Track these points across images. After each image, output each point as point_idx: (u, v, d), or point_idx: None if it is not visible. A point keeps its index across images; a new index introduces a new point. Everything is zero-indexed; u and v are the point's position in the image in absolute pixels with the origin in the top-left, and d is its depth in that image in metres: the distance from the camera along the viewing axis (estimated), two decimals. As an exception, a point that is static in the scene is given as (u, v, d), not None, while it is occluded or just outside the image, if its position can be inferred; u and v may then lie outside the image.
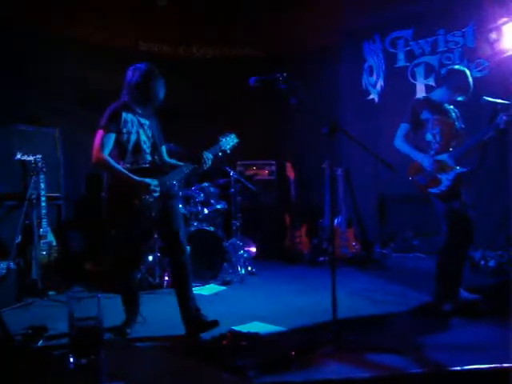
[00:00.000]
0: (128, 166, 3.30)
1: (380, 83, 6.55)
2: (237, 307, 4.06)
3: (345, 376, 2.36)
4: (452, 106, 4.04)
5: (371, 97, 6.67)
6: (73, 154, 5.81)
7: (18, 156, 5.07)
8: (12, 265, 4.26)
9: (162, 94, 3.40)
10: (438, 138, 3.86)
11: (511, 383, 2.25)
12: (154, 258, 4.82)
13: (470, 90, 3.90)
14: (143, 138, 3.38)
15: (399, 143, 3.95)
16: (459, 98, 3.94)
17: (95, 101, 6.27)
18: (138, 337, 3.12)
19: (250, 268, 5.41)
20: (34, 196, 4.68)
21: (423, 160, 3.81)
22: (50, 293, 4.48)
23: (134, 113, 3.39)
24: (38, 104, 5.84)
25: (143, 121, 3.42)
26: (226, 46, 7.14)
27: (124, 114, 3.33)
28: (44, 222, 4.69)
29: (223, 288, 4.80)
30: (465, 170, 3.77)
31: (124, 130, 3.30)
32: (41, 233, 4.66)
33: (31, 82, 5.76)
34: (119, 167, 3.24)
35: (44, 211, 4.68)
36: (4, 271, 4.15)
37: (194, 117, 6.49)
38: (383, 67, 6.52)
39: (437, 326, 3.27)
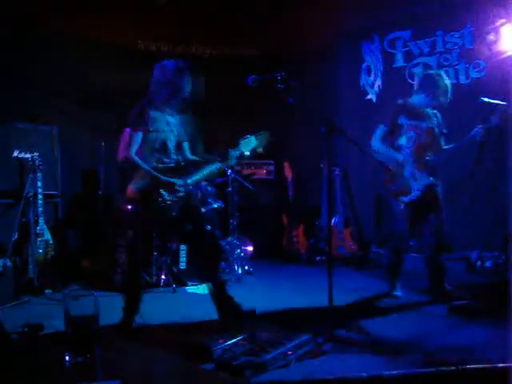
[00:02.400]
0: (154, 164, 3.28)
1: (378, 83, 6.56)
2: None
3: (342, 375, 2.36)
4: (435, 111, 4.07)
5: (369, 97, 6.68)
6: (70, 152, 5.81)
7: (16, 154, 5.06)
8: (8, 263, 4.25)
9: (188, 89, 3.38)
10: (410, 143, 3.93)
11: (508, 383, 2.25)
12: (151, 257, 4.80)
13: (447, 92, 3.93)
14: (170, 136, 3.38)
15: (376, 144, 4.00)
16: (440, 101, 3.96)
17: (94, 99, 6.28)
18: (135, 335, 3.12)
19: (246, 267, 5.41)
20: (30, 194, 4.67)
21: (401, 161, 3.89)
22: (47, 291, 4.47)
23: (162, 110, 3.38)
24: (36, 102, 5.84)
25: (170, 119, 3.42)
26: (225, 46, 7.13)
27: (152, 112, 3.32)
28: (41, 220, 4.67)
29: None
30: (433, 181, 3.89)
31: (151, 129, 3.29)
32: (37, 231, 4.65)
33: (30, 80, 5.75)
34: (146, 166, 3.22)
35: (41, 209, 4.67)
36: (0, 269, 4.14)
37: (193, 116, 6.49)
38: (381, 67, 6.53)
39: (434, 326, 3.28)
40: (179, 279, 4.72)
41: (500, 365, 2.38)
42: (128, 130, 3.25)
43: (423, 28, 6.13)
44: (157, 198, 3.17)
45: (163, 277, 4.73)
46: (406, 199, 3.91)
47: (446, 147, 4.02)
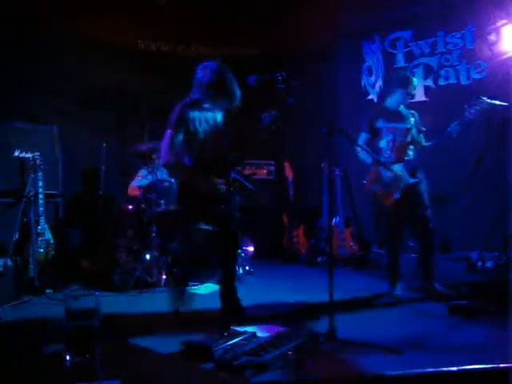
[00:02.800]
0: (195, 163, 3.37)
1: (379, 83, 6.56)
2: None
3: (341, 375, 2.37)
4: (412, 111, 4.20)
5: (370, 97, 6.68)
6: (71, 152, 5.81)
7: (16, 153, 5.07)
8: (9, 262, 4.25)
9: (237, 89, 3.41)
10: (390, 145, 4.05)
11: (509, 383, 2.25)
12: (151, 257, 4.81)
13: (410, 83, 4.10)
14: (210, 135, 3.44)
15: (360, 152, 4.13)
16: (411, 92, 4.14)
17: (94, 99, 6.29)
18: (135, 335, 3.13)
19: (247, 267, 5.40)
20: (31, 193, 4.68)
21: (381, 168, 3.99)
22: (47, 291, 4.46)
23: (201, 109, 3.42)
24: (36, 102, 5.85)
25: (210, 117, 3.47)
26: (226, 46, 7.13)
27: (191, 113, 3.37)
28: (42, 220, 4.68)
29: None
30: (416, 180, 4.00)
31: (192, 129, 3.35)
32: (38, 230, 4.65)
33: (30, 80, 5.76)
34: (188, 167, 3.33)
35: (42, 209, 4.67)
36: (1, 269, 4.14)
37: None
38: (382, 68, 6.53)
39: (433, 326, 3.28)
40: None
41: (501, 365, 2.38)
42: (169, 131, 3.30)
43: (424, 28, 6.13)
44: (202, 196, 3.28)
45: (164, 276, 4.73)
46: (387, 200, 4.04)
47: (426, 144, 4.10)
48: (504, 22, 5.32)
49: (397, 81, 4.18)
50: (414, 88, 4.19)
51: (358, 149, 4.11)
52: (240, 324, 3.01)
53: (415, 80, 4.20)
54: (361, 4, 6.00)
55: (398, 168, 3.99)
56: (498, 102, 3.86)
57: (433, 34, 6.06)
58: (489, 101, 3.83)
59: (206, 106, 3.45)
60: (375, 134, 4.12)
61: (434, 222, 4.10)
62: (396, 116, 4.12)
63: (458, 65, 5.87)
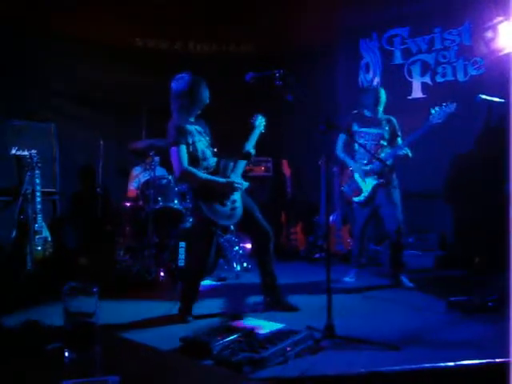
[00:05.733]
0: (204, 171, 3.48)
1: (376, 80, 6.56)
2: (232, 304, 4.07)
3: (340, 371, 2.37)
4: (390, 117, 4.51)
5: (367, 94, 6.68)
6: (68, 150, 5.80)
7: (13, 151, 5.06)
8: (7, 260, 4.25)
9: (207, 97, 3.57)
10: (361, 148, 4.37)
11: (505, 378, 2.26)
12: (149, 254, 4.81)
13: (379, 102, 4.45)
14: (206, 143, 3.56)
15: (338, 152, 4.56)
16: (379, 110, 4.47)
17: (92, 97, 6.28)
18: (134, 331, 3.13)
19: (245, 264, 5.41)
20: (29, 191, 4.67)
21: (354, 167, 4.43)
22: (45, 288, 4.47)
23: (190, 123, 3.53)
24: (34, 100, 5.85)
25: (199, 128, 3.58)
26: (223, 43, 7.13)
27: (187, 126, 3.48)
28: (39, 218, 4.68)
29: (218, 284, 4.80)
30: (381, 181, 4.33)
31: (190, 141, 3.44)
32: (36, 228, 4.65)
33: (28, 79, 5.76)
34: (204, 175, 3.43)
35: (39, 206, 4.67)
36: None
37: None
38: (380, 65, 6.53)
39: (431, 322, 3.29)
40: (178, 276, 4.72)
41: (498, 360, 2.39)
42: (173, 148, 3.38)
43: (421, 25, 6.13)
44: (221, 200, 3.44)
45: (162, 274, 4.73)
46: (356, 200, 4.45)
47: (401, 143, 4.38)
48: (501, 18, 5.32)
49: (365, 100, 4.52)
50: (381, 104, 4.48)
51: (337, 150, 4.52)
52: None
53: (382, 100, 4.48)
54: (358, 1, 6.00)
55: (367, 168, 4.38)
56: (495, 99, 3.87)
57: (430, 30, 6.06)
58: (487, 98, 3.85)
59: (191, 119, 3.56)
60: (352, 137, 4.42)
61: (403, 222, 4.40)
62: (370, 122, 4.43)
63: (455, 61, 5.88)
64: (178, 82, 3.51)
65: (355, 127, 4.46)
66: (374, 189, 4.37)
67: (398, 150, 4.28)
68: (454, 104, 3.99)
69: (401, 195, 4.45)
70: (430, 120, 4.06)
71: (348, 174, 4.52)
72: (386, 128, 4.43)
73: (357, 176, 4.41)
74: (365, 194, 4.39)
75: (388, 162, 4.25)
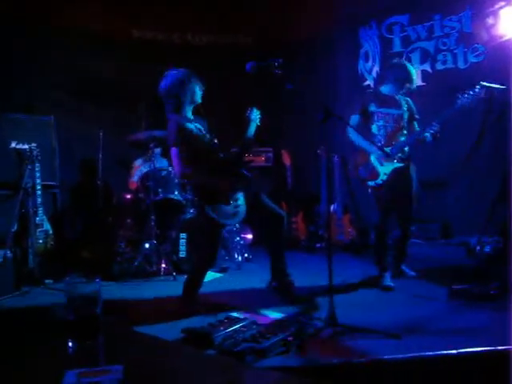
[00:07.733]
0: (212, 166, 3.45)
1: (376, 69, 6.53)
2: (234, 294, 4.08)
3: (343, 360, 2.38)
4: (407, 98, 4.18)
5: (367, 82, 6.65)
6: (68, 142, 5.79)
7: (13, 145, 5.05)
8: (8, 253, 4.25)
9: (198, 96, 3.52)
10: (381, 130, 4.06)
11: (507, 366, 2.27)
12: (150, 246, 4.81)
13: (412, 79, 4.07)
14: (207, 140, 3.53)
15: (351, 134, 4.11)
16: (408, 88, 4.09)
17: (91, 90, 6.26)
18: (136, 323, 3.14)
19: (246, 255, 5.42)
20: (29, 185, 4.66)
21: (371, 149, 3.99)
22: (47, 281, 4.48)
23: (190, 121, 3.49)
24: (33, 93, 5.83)
25: (198, 125, 3.53)
26: (221, 34, 7.09)
27: (187, 124, 3.44)
28: (40, 211, 4.67)
29: (220, 275, 4.81)
30: (401, 165, 3.97)
31: (192, 140, 3.41)
32: (37, 221, 4.65)
33: (26, 71, 5.73)
34: (207, 174, 3.39)
35: (40, 200, 4.66)
36: (1, 260, 4.14)
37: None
38: (379, 53, 6.50)
39: (432, 310, 3.29)
40: (179, 267, 4.73)
41: (500, 347, 2.39)
42: (174, 149, 3.35)
43: (421, 12, 6.09)
44: (226, 198, 3.38)
45: (163, 265, 4.74)
46: (372, 184, 4.06)
47: (418, 130, 4.07)
48: (502, 4, 5.29)
49: (390, 73, 4.15)
50: (410, 81, 4.09)
51: (349, 129, 4.08)
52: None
53: (414, 77, 4.13)
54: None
55: (386, 151, 3.94)
56: (496, 86, 3.84)
57: (429, 17, 6.02)
58: (487, 84, 3.82)
59: (189, 116, 3.53)
60: (368, 118, 4.09)
61: (415, 211, 4.15)
62: (389, 102, 4.09)
63: (455, 49, 5.84)
64: (166, 80, 3.47)
65: (372, 107, 4.07)
66: (392, 173, 3.98)
67: (422, 132, 3.92)
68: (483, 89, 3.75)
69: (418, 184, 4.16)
70: (458, 103, 3.77)
71: (362, 155, 4.10)
72: (405, 108, 4.11)
73: (373, 158, 4.02)
74: (382, 177, 4.00)
75: (406, 149, 4.01)
